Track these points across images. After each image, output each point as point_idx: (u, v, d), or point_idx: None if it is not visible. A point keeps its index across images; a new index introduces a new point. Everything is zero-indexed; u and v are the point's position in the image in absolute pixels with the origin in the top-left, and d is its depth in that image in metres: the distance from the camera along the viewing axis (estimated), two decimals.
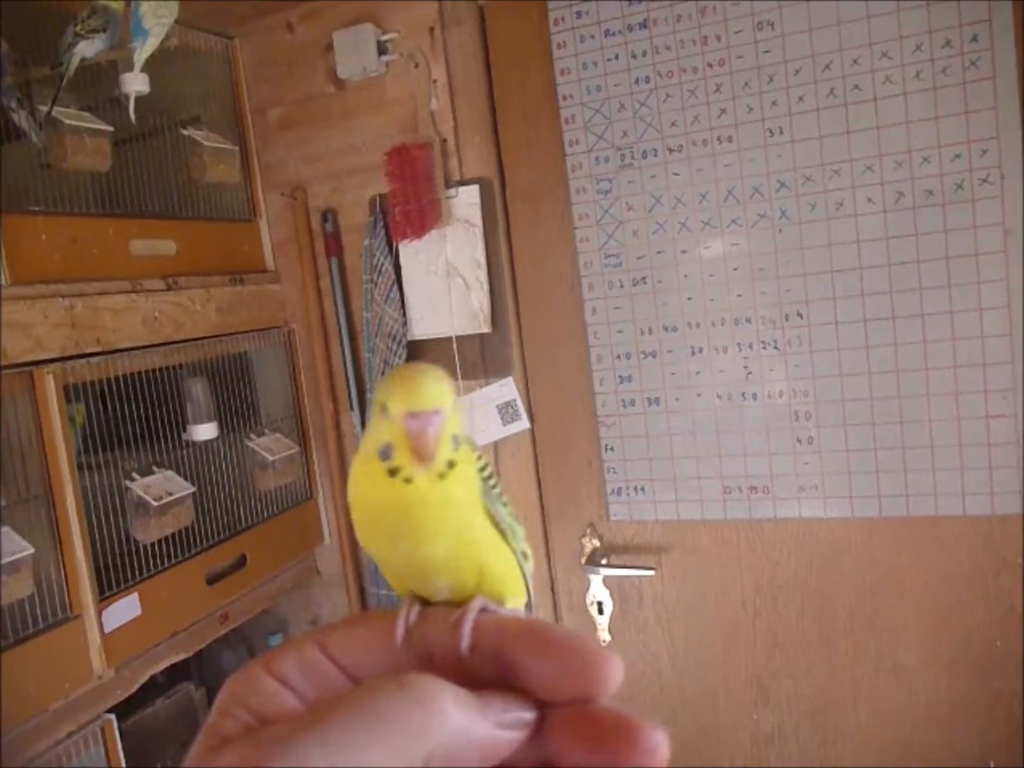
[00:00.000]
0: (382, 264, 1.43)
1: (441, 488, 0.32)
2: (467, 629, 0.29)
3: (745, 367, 1.30)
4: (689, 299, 1.32)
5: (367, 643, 0.30)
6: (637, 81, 1.31)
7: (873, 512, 1.26)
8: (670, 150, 1.30)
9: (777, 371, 1.29)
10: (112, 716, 1.17)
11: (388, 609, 0.32)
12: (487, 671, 0.28)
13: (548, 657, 0.27)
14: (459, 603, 0.32)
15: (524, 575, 0.38)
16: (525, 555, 0.37)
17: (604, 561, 1.42)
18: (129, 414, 1.23)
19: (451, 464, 0.32)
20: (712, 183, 1.29)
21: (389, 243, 1.43)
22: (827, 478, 1.28)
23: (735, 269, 1.29)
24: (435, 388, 0.32)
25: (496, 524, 0.35)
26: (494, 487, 0.35)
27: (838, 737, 1.33)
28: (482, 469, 0.35)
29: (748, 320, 1.29)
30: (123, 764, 1.17)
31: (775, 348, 1.28)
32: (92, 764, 1.14)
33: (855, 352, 1.24)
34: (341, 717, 0.23)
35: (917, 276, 1.20)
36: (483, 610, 0.31)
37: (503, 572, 0.35)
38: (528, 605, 0.39)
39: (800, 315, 1.27)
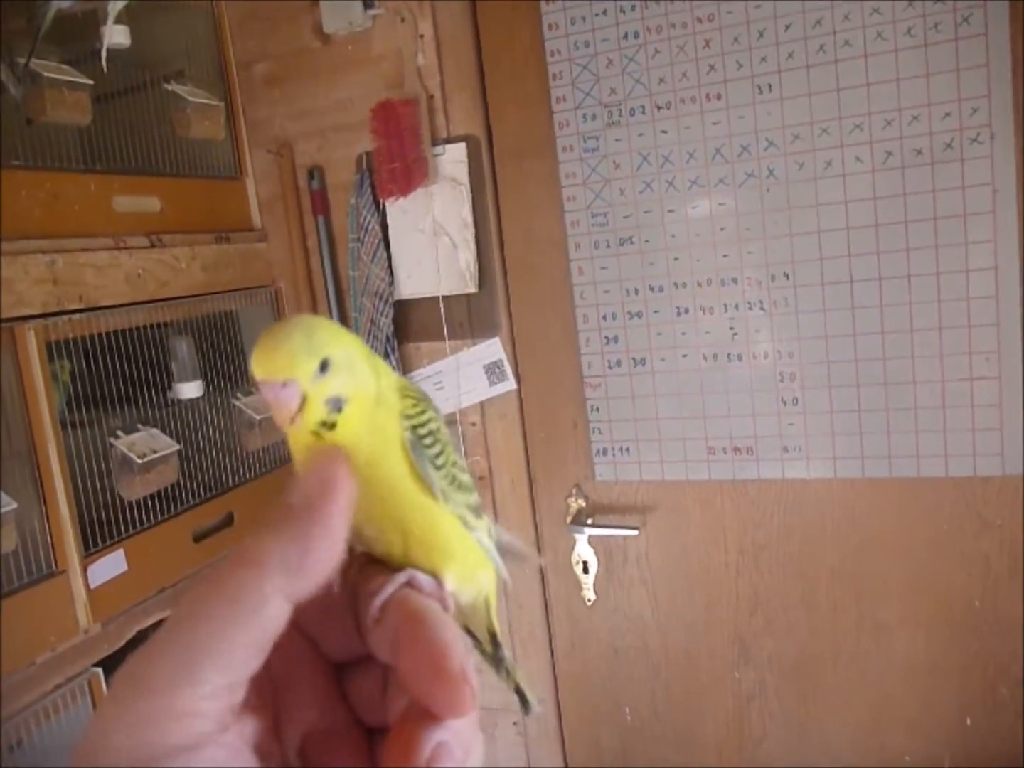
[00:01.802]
0: (368, 223, 1.42)
1: (331, 440, 0.31)
2: (378, 601, 0.29)
3: (731, 328, 1.30)
4: (675, 259, 1.31)
5: None
6: (626, 36, 1.29)
7: (856, 473, 1.27)
8: (658, 107, 1.28)
9: (762, 332, 1.28)
10: (99, 670, 1.18)
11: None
12: (389, 642, 0.28)
13: (406, 652, 0.27)
14: (398, 566, 0.32)
15: (483, 547, 0.37)
16: (465, 522, 0.36)
17: (589, 521, 1.43)
18: (114, 372, 1.23)
19: (328, 425, 0.31)
20: (700, 141, 1.27)
21: (376, 201, 1.42)
22: (811, 439, 1.28)
23: (722, 229, 1.28)
24: (287, 356, 0.30)
25: (428, 487, 0.33)
26: (429, 446, 0.33)
27: (818, 694, 1.35)
28: (419, 426, 0.33)
29: (734, 281, 1.29)
30: None
31: (761, 309, 1.28)
32: (80, 716, 1.15)
33: (841, 313, 1.24)
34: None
35: (904, 237, 1.20)
36: (409, 583, 0.31)
37: (433, 542, 0.34)
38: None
39: (786, 276, 1.26)
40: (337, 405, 0.30)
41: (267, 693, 0.28)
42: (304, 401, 0.30)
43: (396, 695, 0.28)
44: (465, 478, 0.36)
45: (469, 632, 0.39)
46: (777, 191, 1.25)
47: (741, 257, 1.28)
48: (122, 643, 1.23)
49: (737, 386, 1.31)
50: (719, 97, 1.25)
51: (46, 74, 1.14)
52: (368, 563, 0.33)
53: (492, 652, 0.39)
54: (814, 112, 1.21)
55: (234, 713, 0.25)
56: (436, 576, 0.33)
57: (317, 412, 0.30)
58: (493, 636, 0.39)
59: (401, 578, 0.31)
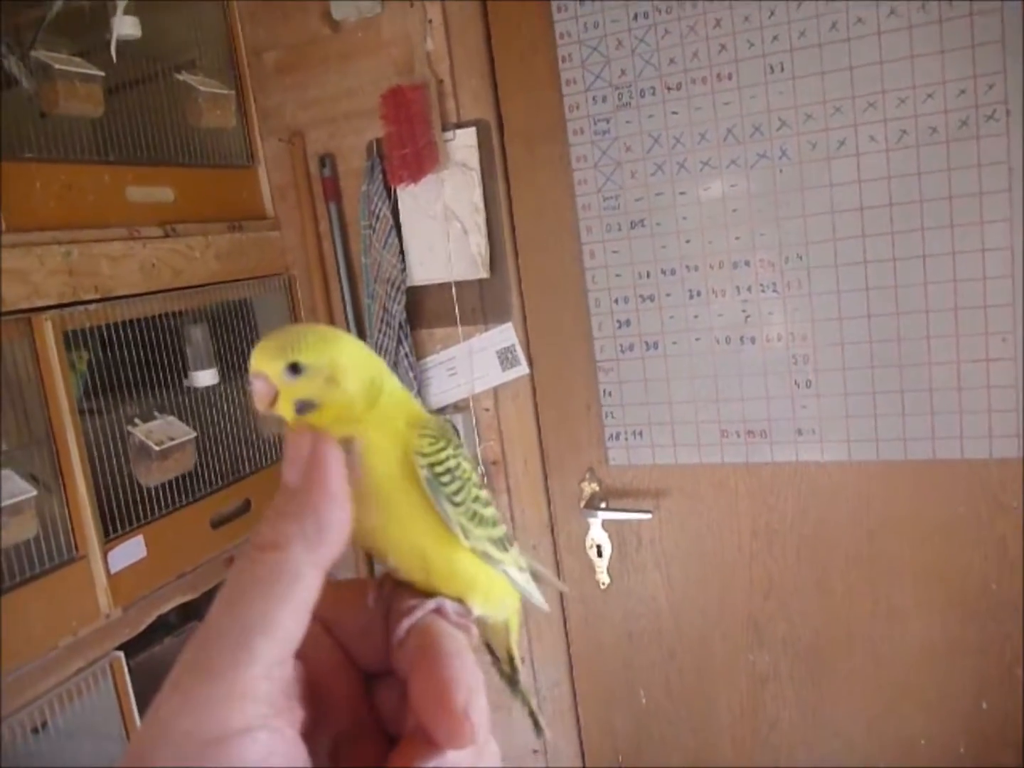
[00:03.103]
0: (380, 209, 1.42)
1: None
2: (406, 623, 0.30)
3: (743, 310, 1.29)
4: (688, 242, 1.30)
5: (343, 602, 0.32)
6: (635, 17, 1.27)
7: (871, 456, 1.26)
8: (668, 88, 1.27)
9: (776, 314, 1.27)
10: (120, 653, 1.20)
11: (368, 579, 0.34)
12: (408, 664, 0.30)
13: (418, 679, 0.28)
14: (424, 591, 0.33)
15: (510, 578, 0.38)
16: (488, 556, 0.36)
17: (603, 505, 1.43)
18: (131, 361, 1.24)
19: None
20: (711, 122, 1.26)
21: (387, 188, 1.42)
22: (825, 422, 1.27)
23: (734, 211, 1.27)
24: (260, 352, 0.32)
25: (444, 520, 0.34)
26: (447, 484, 0.34)
27: (833, 678, 1.35)
28: (436, 464, 0.34)
29: (747, 263, 1.28)
30: (132, 698, 1.21)
31: (774, 291, 1.27)
32: (102, 698, 1.18)
33: (855, 294, 1.23)
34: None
35: (919, 216, 1.18)
36: (438, 610, 0.32)
37: (453, 573, 0.35)
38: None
39: (800, 257, 1.25)
40: (301, 408, 0.32)
41: (305, 697, 0.29)
42: (277, 395, 0.32)
43: (409, 713, 0.29)
44: (488, 512, 0.37)
45: (490, 649, 0.41)
46: (790, 171, 1.23)
47: (753, 239, 1.27)
48: (143, 627, 1.25)
49: (750, 369, 1.30)
50: (730, 77, 1.24)
51: (58, 66, 1.15)
52: (401, 581, 0.34)
53: (510, 674, 0.41)
54: (827, 91, 1.20)
55: (286, 695, 0.27)
56: (463, 603, 0.34)
57: (286, 409, 0.32)
58: (512, 659, 0.41)
59: (430, 605, 0.32)
